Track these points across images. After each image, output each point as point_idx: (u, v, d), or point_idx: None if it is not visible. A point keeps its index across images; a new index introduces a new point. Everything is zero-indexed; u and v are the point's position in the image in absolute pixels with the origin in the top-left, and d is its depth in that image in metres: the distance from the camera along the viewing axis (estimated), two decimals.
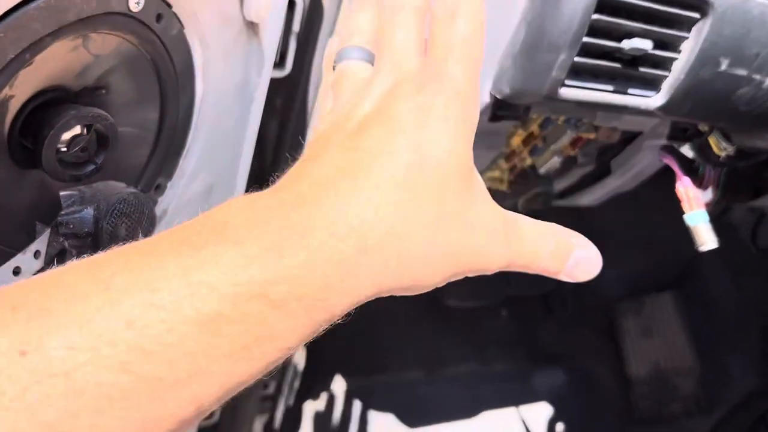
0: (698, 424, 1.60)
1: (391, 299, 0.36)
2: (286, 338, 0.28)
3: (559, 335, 1.72)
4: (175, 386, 0.26)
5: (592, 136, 0.82)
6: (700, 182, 1.02)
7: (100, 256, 0.28)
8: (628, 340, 1.68)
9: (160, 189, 0.58)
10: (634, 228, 1.64)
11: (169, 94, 0.54)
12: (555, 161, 0.85)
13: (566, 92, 0.61)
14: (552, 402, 1.62)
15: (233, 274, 0.27)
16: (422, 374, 1.56)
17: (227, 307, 0.27)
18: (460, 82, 0.35)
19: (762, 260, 1.59)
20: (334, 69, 0.40)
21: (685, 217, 0.85)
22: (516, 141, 0.82)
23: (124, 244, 0.47)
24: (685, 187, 0.85)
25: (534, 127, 0.80)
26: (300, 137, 0.77)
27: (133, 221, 0.48)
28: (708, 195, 1.04)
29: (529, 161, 0.87)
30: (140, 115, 0.54)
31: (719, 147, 0.87)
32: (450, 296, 1.38)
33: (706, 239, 0.84)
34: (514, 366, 1.64)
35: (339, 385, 1.46)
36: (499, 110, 0.67)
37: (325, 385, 1.43)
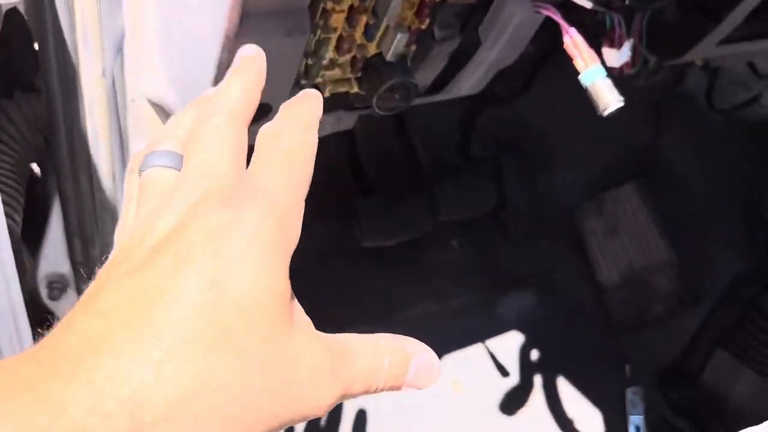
0: (685, 321, 1.44)
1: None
2: None
3: (520, 254, 1.54)
4: None
5: None
6: (611, 41, 0.83)
7: None
8: (594, 245, 1.50)
9: None
10: (574, 120, 1.45)
11: None
12: (400, 40, 0.65)
13: None
14: (522, 329, 1.45)
15: None
16: (371, 326, 1.38)
17: None
18: (278, 194, 0.30)
19: (725, 125, 1.40)
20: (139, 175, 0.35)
21: (581, 77, 0.66)
22: (336, 20, 0.62)
23: None
24: (572, 39, 0.65)
25: None
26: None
27: None
28: (625, 54, 0.85)
29: (372, 48, 0.68)
30: None
31: None
32: (365, 237, 1.20)
33: (609, 99, 0.64)
34: (476, 298, 1.47)
35: None
36: None
37: None
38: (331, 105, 0.76)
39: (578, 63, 0.66)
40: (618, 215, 1.47)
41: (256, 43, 0.37)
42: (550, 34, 0.71)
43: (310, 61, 0.66)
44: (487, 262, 1.53)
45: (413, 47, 0.69)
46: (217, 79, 0.58)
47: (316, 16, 0.61)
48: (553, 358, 1.43)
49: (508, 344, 1.43)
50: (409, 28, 0.67)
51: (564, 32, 0.66)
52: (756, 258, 1.41)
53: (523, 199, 1.51)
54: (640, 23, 0.93)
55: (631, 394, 1.36)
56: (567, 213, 1.55)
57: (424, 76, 0.75)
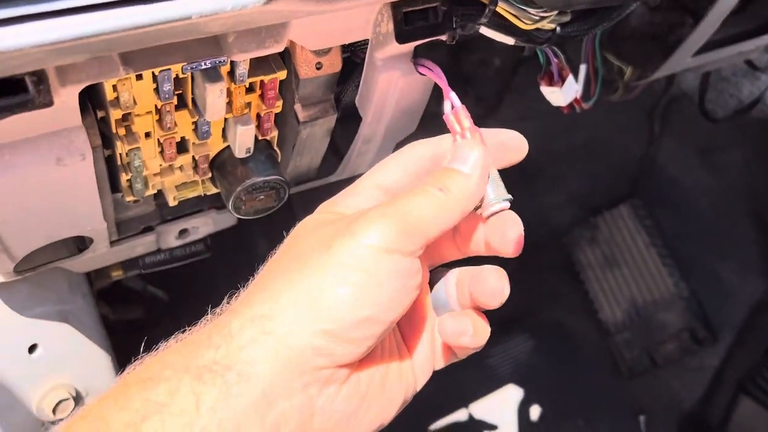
0: (703, 360, 1.24)
1: None
2: None
3: (511, 290, 1.35)
4: None
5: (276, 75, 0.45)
6: (550, 78, 0.66)
7: None
8: (592, 279, 1.31)
9: None
10: (557, 135, 1.26)
11: None
12: (243, 134, 0.49)
13: None
14: (518, 380, 1.28)
15: None
16: None
17: None
18: None
19: (727, 128, 1.20)
20: None
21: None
22: (142, 126, 0.46)
23: None
24: (454, 109, 0.46)
25: None
26: None
27: None
28: (572, 88, 0.67)
29: (218, 144, 0.51)
30: None
31: (523, 18, 0.50)
32: None
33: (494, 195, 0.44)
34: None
35: None
36: None
37: None
38: (194, 207, 0.61)
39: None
40: (614, 242, 1.29)
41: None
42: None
43: (128, 176, 0.50)
44: None
45: (274, 134, 0.53)
46: None
47: (111, 128, 0.45)
48: (555, 412, 1.25)
49: (502, 402, 1.26)
50: (258, 115, 0.51)
51: (445, 96, 0.47)
52: None
53: None
54: (591, 46, 0.75)
55: None
56: (559, 240, 1.37)
57: (307, 161, 0.58)
